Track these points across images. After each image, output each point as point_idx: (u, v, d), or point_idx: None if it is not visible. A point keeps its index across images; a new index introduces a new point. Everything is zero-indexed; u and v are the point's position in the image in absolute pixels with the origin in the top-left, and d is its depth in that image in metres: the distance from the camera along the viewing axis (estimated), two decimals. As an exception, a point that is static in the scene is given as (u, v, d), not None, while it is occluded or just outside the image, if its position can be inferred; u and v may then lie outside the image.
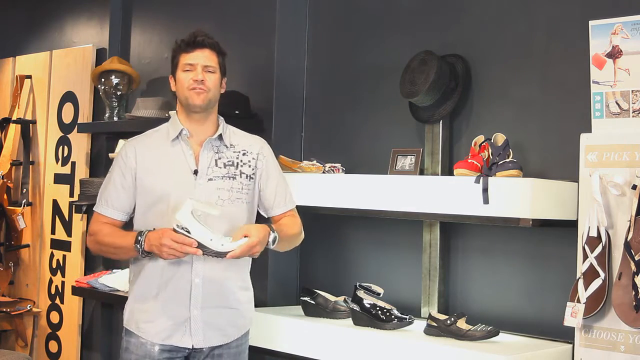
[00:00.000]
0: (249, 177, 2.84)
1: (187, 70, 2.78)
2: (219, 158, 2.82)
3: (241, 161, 2.84)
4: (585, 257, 2.77)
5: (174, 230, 2.59)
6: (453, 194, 2.93)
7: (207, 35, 2.83)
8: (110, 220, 2.81)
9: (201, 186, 2.76)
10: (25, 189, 5.08)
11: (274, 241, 2.73)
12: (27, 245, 5.04)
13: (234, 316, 2.83)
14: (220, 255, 2.61)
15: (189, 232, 2.58)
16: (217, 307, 2.78)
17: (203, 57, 2.78)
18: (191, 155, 2.79)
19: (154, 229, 2.69)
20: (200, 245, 2.58)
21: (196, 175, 2.77)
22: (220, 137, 2.84)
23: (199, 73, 2.76)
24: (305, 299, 3.39)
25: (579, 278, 2.78)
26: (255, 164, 2.87)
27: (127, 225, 2.84)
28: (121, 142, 4.19)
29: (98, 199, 2.85)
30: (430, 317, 3.04)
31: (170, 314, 2.74)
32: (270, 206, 2.91)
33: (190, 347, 2.76)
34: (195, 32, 2.82)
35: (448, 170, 3.29)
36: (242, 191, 2.82)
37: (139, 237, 2.67)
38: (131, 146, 2.84)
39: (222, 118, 2.89)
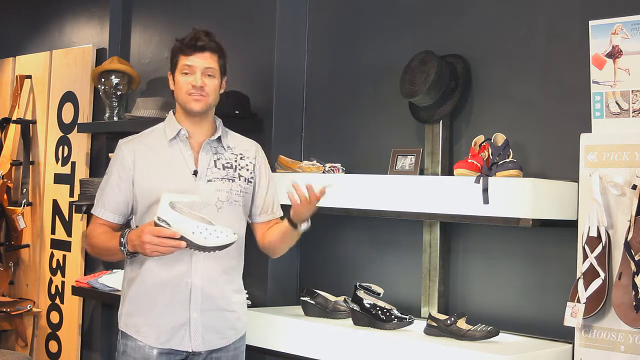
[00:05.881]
0: (247, 181, 2.83)
1: (186, 73, 2.73)
2: (218, 159, 2.79)
3: (239, 165, 2.82)
4: (585, 257, 2.77)
5: (155, 224, 2.54)
6: (453, 194, 2.93)
7: (210, 37, 2.76)
8: (106, 222, 2.79)
9: (201, 187, 2.73)
10: (25, 189, 5.08)
11: (304, 226, 2.73)
12: (27, 245, 5.04)
13: (232, 319, 2.80)
14: (205, 249, 2.55)
15: (169, 225, 2.53)
16: (217, 310, 2.76)
17: (203, 61, 2.73)
18: (190, 156, 2.77)
19: (137, 226, 2.66)
20: (183, 238, 2.53)
21: (196, 176, 2.75)
22: (219, 138, 2.81)
23: (198, 79, 2.71)
24: (305, 299, 3.39)
25: (579, 278, 2.78)
26: (253, 168, 2.86)
27: (127, 227, 2.81)
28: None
29: (96, 201, 2.82)
30: (430, 317, 3.04)
31: (171, 317, 2.71)
32: (256, 212, 2.88)
33: (190, 351, 2.72)
34: (196, 34, 2.74)
35: (448, 170, 3.29)
36: (240, 194, 2.80)
37: (122, 239, 2.64)
38: (128, 147, 2.80)
39: (219, 119, 2.86)
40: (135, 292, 2.76)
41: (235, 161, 2.83)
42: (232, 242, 2.59)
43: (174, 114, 2.83)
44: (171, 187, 2.67)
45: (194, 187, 2.72)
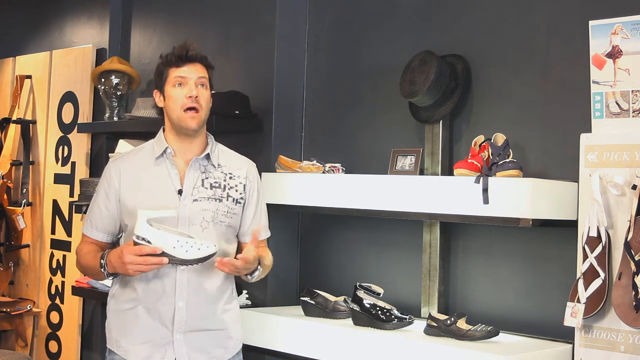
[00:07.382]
0: (236, 201, 2.76)
1: (179, 85, 2.68)
2: (206, 178, 2.73)
3: (228, 184, 2.75)
4: (585, 257, 2.78)
5: (134, 243, 2.51)
6: (453, 194, 2.93)
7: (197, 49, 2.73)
8: (94, 241, 2.76)
9: (185, 207, 2.67)
10: (25, 189, 5.08)
11: (255, 274, 2.70)
12: (27, 245, 5.04)
13: (220, 337, 2.74)
14: (187, 263, 2.53)
15: (149, 242, 2.50)
16: (202, 330, 2.69)
17: (195, 71, 2.69)
18: (176, 175, 2.71)
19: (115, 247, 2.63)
20: (164, 254, 2.50)
21: (180, 195, 2.68)
22: (207, 156, 2.74)
23: (193, 89, 2.67)
24: (305, 299, 3.39)
25: (579, 278, 2.78)
26: (243, 188, 2.78)
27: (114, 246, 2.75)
28: (121, 142, 4.20)
29: (85, 220, 2.80)
30: (430, 317, 3.04)
31: (152, 337, 2.66)
32: (244, 232, 2.80)
33: None
34: (185, 45, 2.71)
35: (448, 170, 3.29)
36: (227, 214, 2.72)
37: (102, 261, 2.62)
38: (115, 166, 2.76)
39: (211, 136, 2.80)
40: (119, 309, 2.72)
41: (225, 180, 2.75)
42: (214, 253, 2.55)
43: (164, 131, 2.78)
44: (156, 206, 2.62)
45: (177, 206, 2.66)
